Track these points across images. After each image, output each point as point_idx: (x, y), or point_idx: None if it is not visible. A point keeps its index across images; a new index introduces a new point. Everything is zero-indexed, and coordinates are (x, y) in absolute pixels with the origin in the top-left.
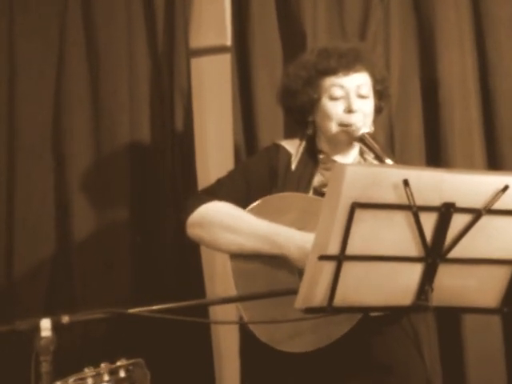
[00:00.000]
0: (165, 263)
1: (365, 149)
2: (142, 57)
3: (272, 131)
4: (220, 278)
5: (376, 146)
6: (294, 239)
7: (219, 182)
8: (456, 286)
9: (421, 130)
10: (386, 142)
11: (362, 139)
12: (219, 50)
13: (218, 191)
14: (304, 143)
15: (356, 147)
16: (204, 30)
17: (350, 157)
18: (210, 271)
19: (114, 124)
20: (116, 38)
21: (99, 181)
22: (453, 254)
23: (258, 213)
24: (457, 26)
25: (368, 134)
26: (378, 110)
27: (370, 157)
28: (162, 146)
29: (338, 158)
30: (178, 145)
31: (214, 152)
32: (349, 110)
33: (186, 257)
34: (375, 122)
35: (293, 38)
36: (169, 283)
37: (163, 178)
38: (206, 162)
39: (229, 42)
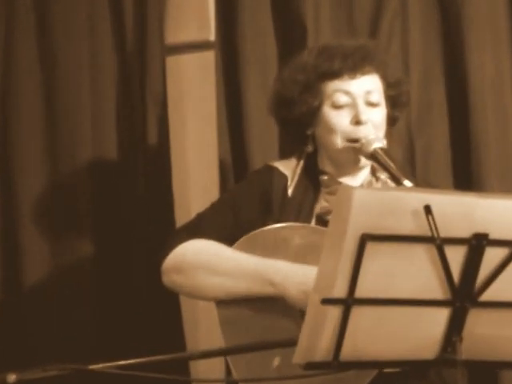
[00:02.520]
0: (136, 310)
1: (378, 167)
2: (107, 56)
3: (265, 146)
4: (203, 328)
5: (391, 165)
6: (292, 275)
7: (200, 217)
8: (490, 335)
9: (447, 145)
10: (405, 160)
11: (373, 156)
12: (201, 46)
13: (198, 228)
14: (302, 163)
15: (366, 166)
16: (182, 22)
17: (358, 178)
18: (192, 319)
19: (73, 139)
20: (75, 34)
21: (56, 210)
22: (486, 296)
23: (248, 249)
24: (490, 18)
25: (381, 149)
26: (391, 121)
27: (383, 176)
28: (132, 166)
29: (345, 180)
30: (152, 165)
31: (196, 173)
32: (356, 121)
33: (163, 302)
34: (391, 135)
35: (290, 32)
36: (142, 334)
37: (134, 206)
38: (186, 185)
39: (212, 36)
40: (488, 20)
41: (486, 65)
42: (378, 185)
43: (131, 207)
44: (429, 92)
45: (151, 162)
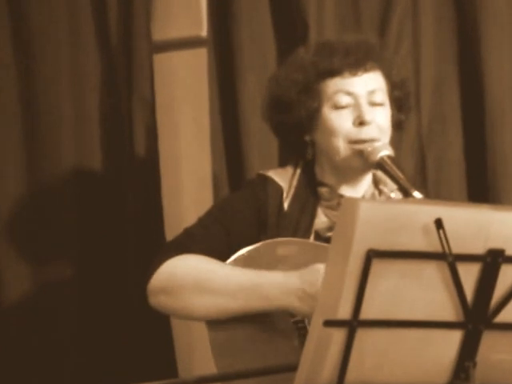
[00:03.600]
0: (125, 333)
1: (384, 177)
2: (89, 54)
3: (264, 154)
4: (197, 353)
5: (400, 174)
6: (287, 285)
7: (188, 232)
8: (506, 360)
9: (461, 155)
10: (416, 172)
11: (380, 165)
12: (192, 42)
13: (186, 245)
14: (299, 172)
15: (368, 176)
16: (172, 17)
17: (360, 189)
18: (184, 343)
19: (53, 149)
20: (53, 29)
21: (36, 225)
22: (502, 317)
23: (243, 267)
24: (509, 16)
25: (389, 157)
26: (396, 125)
27: (386, 188)
28: (118, 177)
29: (346, 191)
30: (139, 176)
31: (188, 184)
32: (360, 122)
33: (154, 324)
34: (400, 144)
35: (291, 29)
36: (132, 361)
37: (120, 222)
38: (177, 198)
39: (205, 32)
40: (507, 18)
41: (505, 67)
42: (381, 198)
43: (118, 223)
44: (442, 97)
45: (139, 172)
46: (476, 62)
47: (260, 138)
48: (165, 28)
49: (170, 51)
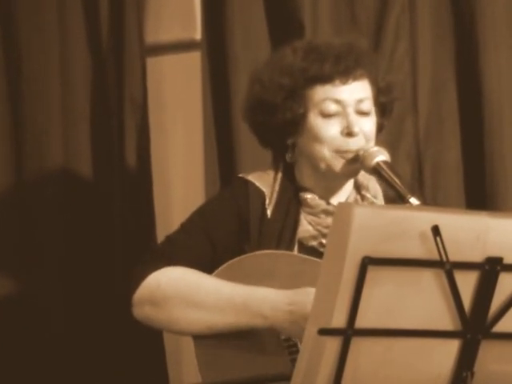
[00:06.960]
0: (115, 344)
1: (366, 182)
2: (79, 57)
3: (257, 157)
4: (188, 366)
5: (396, 180)
6: (279, 304)
7: (171, 241)
8: (504, 370)
9: (459, 159)
10: (412, 176)
11: (376, 170)
12: (185, 45)
13: (171, 254)
14: (280, 176)
15: (350, 182)
16: (165, 19)
17: (342, 193)
18: (175, 356)
19: (41, 152)
20: (43, 32)
21: (20, 233)
22: (500, 327)
23: (229, 279)
24: (507, 15)
25: (384, 163)
26: (379, 130)
27: (369, 194)
28: (108, 183)
29: (327, 196)
30: (130, 180)
31: (180, 188)
32: (347, 133)
33: (144, 335)
34: (397, 148)
35: (286, 29)
36: (122, 373)
37: (110, 228)
38: (169, 203)
39: (198, 35)
40: (506, 17)
41: (503, 70)
42: (364, 204)
43: (107, 227)
44: (439, 99)
45: (129, 176)
46: (474, 64)
47: (253, 141)
48: (157, 31)
49: (163, 54)
